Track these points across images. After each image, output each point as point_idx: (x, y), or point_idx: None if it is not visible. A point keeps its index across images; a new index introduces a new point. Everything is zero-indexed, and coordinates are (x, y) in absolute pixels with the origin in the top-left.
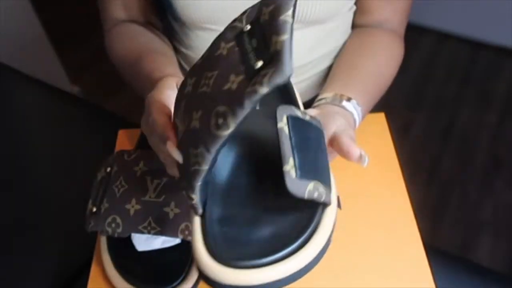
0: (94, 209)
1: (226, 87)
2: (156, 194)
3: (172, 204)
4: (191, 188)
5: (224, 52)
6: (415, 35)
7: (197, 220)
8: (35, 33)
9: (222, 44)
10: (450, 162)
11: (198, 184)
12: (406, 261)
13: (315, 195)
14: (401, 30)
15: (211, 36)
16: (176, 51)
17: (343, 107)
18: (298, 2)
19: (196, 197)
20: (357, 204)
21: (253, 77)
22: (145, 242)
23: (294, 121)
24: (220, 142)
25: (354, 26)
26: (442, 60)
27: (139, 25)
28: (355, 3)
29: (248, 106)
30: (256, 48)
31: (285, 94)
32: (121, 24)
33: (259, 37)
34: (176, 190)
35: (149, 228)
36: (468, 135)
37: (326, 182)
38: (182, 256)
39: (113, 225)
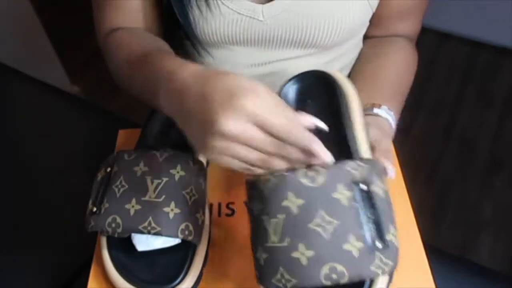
0: (94, 209)
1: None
2: (156, 194)
3: (172, 204)
4: None
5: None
6: None
7: None
8: (35, 33)
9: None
10: (450, 162)
11: None
12: (406, 261)
13: None
14: (415, 36)
15: (226, 55)
16: None
17: (376, 114)
18: (315, 31)
19: None
20: None
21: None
22: (145, 242)
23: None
24: None
25: (366, 36)
26: (442, 60)
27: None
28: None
29: None
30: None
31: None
32: (120, 30)
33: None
34: (176, 190)
35: (149, 228)
36: (468, 135)
37: None
38: (182, 256)
39: (113, 225)
